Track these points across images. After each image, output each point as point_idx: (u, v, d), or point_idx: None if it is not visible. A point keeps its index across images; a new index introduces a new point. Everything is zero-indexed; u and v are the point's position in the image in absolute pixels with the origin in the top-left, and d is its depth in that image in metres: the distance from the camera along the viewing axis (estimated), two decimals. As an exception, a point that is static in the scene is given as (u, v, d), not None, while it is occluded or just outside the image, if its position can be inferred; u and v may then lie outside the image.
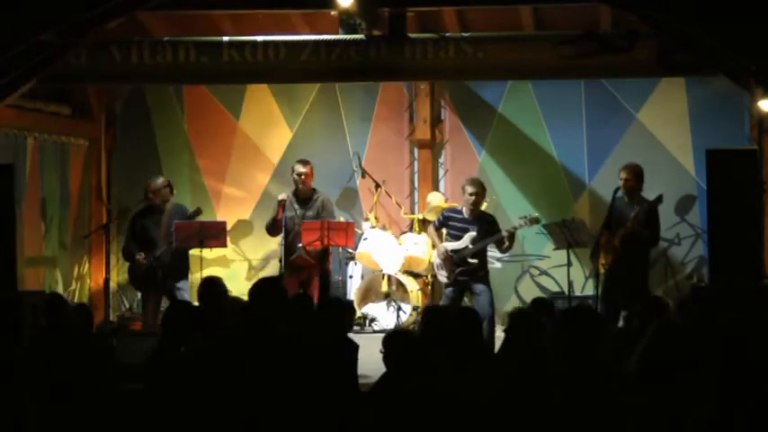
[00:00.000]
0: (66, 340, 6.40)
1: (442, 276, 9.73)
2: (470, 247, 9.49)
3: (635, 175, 9.69)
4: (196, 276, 11.18)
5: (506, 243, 9.64)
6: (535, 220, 9.78)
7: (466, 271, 9.53)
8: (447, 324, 5.90)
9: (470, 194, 9.54)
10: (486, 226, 9.60)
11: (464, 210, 9.62)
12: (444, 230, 9.81)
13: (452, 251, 9.56)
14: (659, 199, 9.65)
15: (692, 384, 4.72)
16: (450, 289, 9.67)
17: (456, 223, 9.65)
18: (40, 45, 9.18)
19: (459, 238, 9.56)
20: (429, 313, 6.53)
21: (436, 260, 9.76)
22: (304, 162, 10.20)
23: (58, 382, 5.62)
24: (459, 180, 11.54)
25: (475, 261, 9.50)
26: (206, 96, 12.29)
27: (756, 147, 10.24)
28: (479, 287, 9.57)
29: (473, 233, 9.50)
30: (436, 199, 11.41)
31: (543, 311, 6.58)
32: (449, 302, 9.53)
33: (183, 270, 10.12)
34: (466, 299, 9.80)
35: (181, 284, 10.00)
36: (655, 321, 5.27)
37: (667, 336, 5.05)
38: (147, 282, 10.06)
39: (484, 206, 9.77)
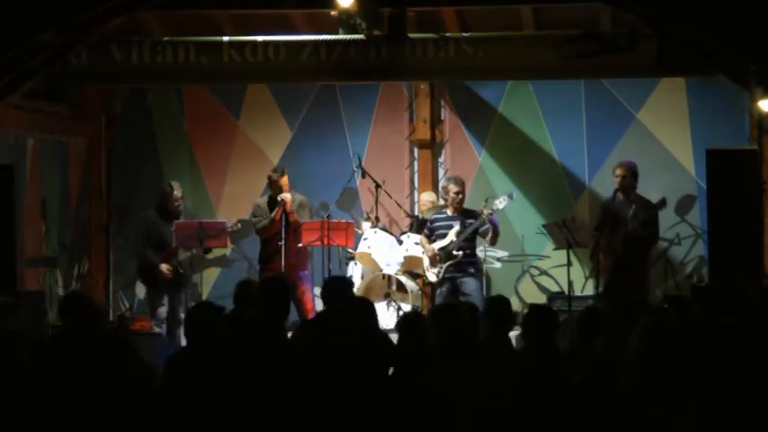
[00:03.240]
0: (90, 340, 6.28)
1: (432, 274, 9.95)
2: (454, 240, 9.73)
3: (631, 173, 9.78)
4: (196, 276, 11.21)
5: (489, 233, 9.82)
6: (509, 196, 9.93)
7: (453, 265, 9.76)
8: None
9: (455, 193, 9.89)
10: (472, 218, 9.81)
11: (448, 210, 9.97)
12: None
13: (439, 249, 9.82)
14: (663, 203, 9.70)
15: (689, 384, 4.71)
16: (440, 288, 9.91)
17: (440, 223, 9.96)
18: (40, 45, 9.19)
19: (445, 236, 9.80)
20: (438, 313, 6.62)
21: (426, 262, 10.02)
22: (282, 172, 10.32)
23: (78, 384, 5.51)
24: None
25: (459, 253, 9.72)
26: (206, 96, 12.27)
27: (756, 147, 10.25)
28: (469, 287, 9.75)
29: (457, 227, 9.79)
30: (429, 197, 11.41)
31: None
32: (443, 300, 9.71)
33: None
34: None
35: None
36: (642, 319, 5.26)
37: (655, 334, 5.03)
38: (169, 284, 10.16)
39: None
